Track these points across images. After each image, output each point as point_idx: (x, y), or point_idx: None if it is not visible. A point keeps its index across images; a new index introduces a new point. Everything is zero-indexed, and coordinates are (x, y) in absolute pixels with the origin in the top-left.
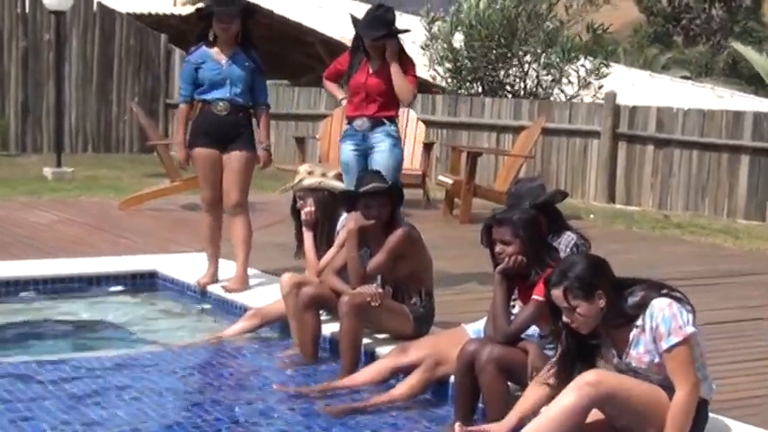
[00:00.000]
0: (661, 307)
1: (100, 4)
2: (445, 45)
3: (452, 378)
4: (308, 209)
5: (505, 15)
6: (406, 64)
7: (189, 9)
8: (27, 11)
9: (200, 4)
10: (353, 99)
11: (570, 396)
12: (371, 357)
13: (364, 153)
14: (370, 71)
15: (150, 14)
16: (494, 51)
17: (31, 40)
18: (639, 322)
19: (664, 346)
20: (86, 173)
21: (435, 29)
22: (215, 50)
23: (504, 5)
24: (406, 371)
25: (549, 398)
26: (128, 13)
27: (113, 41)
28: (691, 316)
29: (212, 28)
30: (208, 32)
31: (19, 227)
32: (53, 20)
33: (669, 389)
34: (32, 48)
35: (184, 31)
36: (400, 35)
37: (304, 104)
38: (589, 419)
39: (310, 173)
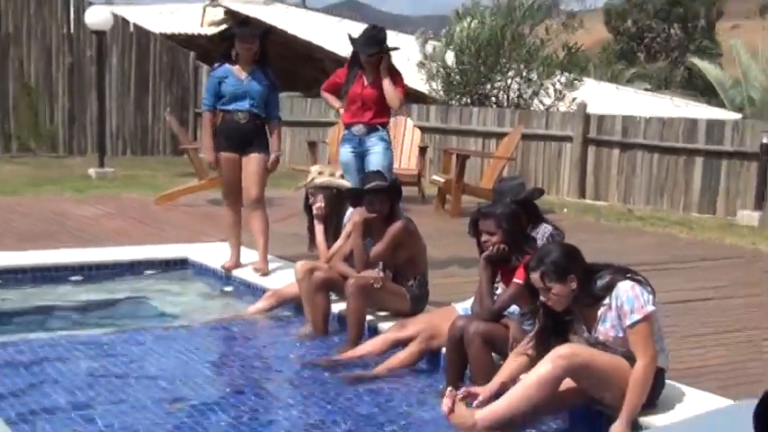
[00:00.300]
0: (625, 289)
1: (136, 26)
2: (439, 62)
3: (444, 349)
4: (319, 204)
5: (492, 35)
6: (395, 75)
7: (214, 30)
8: (72, 30)
9: (224, 26)
10: (350, 107)
11: (546, 366)
12: (374, 332)
13: (361, 154)
14: (365, 83)
15: (180, 34)
16: (481, 67)
17: (76, 57)
18: (606, 301)
19: (627, 322)
20: (126, 173)
21: (430, 48)
22: (236, 68)
23: (491, 26)
24: (404, 343)
25: (527, 367)
26: (161, 34)
27: (148, 58)
28: (651, 296)
29: (234, 47)
30: (230, 51)
31: (68, 219)
32: (95, 39)
33: (631, 359)
34: (77, 63)
35: (210, 49)
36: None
37: (315, 113)
38: (562, 387)
39: (320, 173)
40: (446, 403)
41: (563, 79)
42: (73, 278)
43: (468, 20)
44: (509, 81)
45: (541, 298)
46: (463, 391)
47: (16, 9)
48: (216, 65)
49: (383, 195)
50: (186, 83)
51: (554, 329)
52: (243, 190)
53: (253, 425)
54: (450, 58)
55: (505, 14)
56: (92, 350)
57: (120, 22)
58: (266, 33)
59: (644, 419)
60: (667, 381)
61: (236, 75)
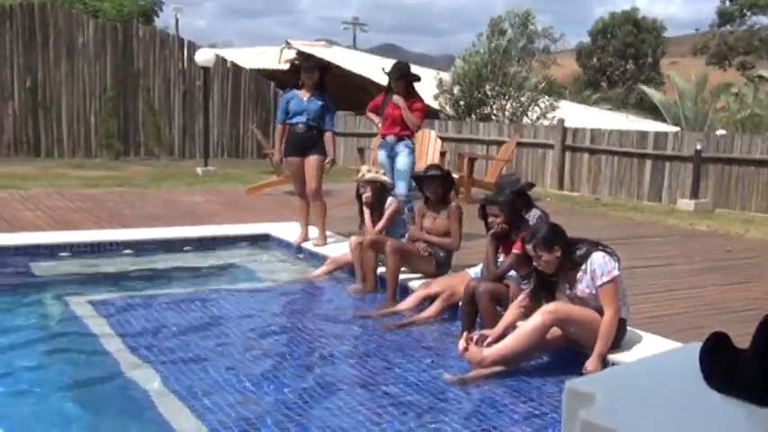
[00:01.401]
0: (597, 257)
1: (232, 63)
2: (448, 93)
3: (460, 303)
4: (368, 194)
5: (477, 71)
6: (417, 100)
7: (288, 66)
8: (185, 66)
9: (295, 62)
10: (385, 123)
11: (537, 318)
12: (406, 289)
13: (392, 157)
14: (395, 105)
15: (264, 69)
16: (476, 93)
17: (188, 86)
18: (583, 267)
19: (598, 283)
20: (224, 171)
21: (448, 79)
22: (302, 92)
23: (476, 64)
24: (430, 298)
25: (524, 316)
26: (250, 69)
27: (240, 86)
28: (617, 264)
29: (301, 77)
30: (299, 80)
31: (181, 205)
32: (202, 73)
33: (600, 311)
34: (189, 90)
35: (286, 80)
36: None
37: (363, 127)
38: (549, 335)
39: (368, 171)
40: (461, 344)
41: (546, 102)
42: (186, 248)
43: (461, 62)
44: (504, 103)
45: (534, 264)
46: (478, 334)
47: (146, 50)
48: (287, 89)
49: (438, 180)
50: (268, 105)
51: (544, 288)
52: (306, 183)
53: (317, 358)
54: (456, 89)
55: (484, 56)
56: (200, 302)
57: (221, 61)
58: (324, 68)
59: (611, 357)
60: (628, 327)
61: (299, 96)
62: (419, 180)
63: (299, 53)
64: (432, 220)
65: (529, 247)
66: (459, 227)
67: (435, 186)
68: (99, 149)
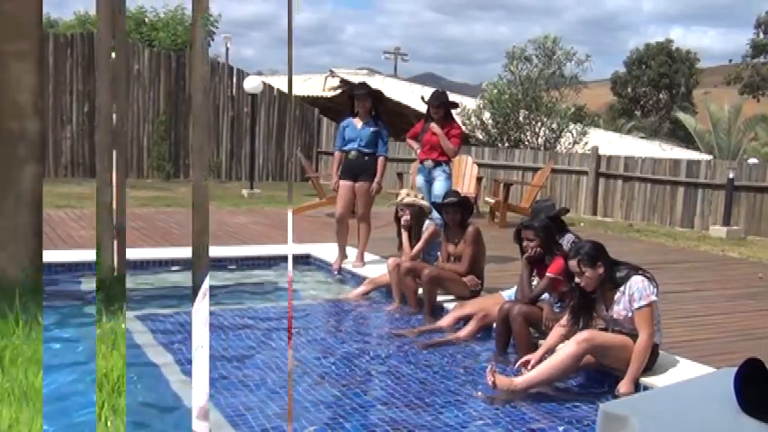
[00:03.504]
0: (637, 281)
1: (278, 90)
2: (477, 120)
3: (494, 325)
4: (406, 217)
5: (512, 100)
6: (453, 125)
7: (332, 93)
8: (234, 93)
9: (338, 91)
10: (424, 148)
11: (571, 346)
12: (442, 310)
13: (430, 181)
14: (433, 132)
15: (308, 96)
16: (510, 122)
17: (236, 112)
18: (622, 289)
19: (635, 306)
20: (267, 193)
21: (473, 107)
22: (356, 120)
23: (510, 94)
24: (465, 320)
25: (565, 337)
26: (295, 95)
27: (286, 112)
28: (655, 289)
29: (355, 105)
30: (353, 108)
31: (227, 225)
32: (249, 99)
33: (634, 337)
34: (236, 116)
35: (329, 107)
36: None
37: (403, 152)
38: (583, 362)
39: (407, 195)
40: (489, 379)
41: (577, 129)
42: (230, 266)
43: (493, 90)
44: (537, 129)
45: (576, 279)
46: (522, 360)
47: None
48: (344, 117)
49: (456, 207)
50: (312, 130)
51: (584, 305)
52: (356, 207)
53: (354, 376)
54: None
55: (518, 86)
56: (242, 319)
57: (267, 88)
58: (376, 98)
59: (643, 380)
60: (660, 351)
61: (354, 124)
62: (438, 207)
63: (343, 81)
64: (453, 246)
65: (573, 262)
66: (474, 250)
67: (453, 213)
68: (150, 171)
